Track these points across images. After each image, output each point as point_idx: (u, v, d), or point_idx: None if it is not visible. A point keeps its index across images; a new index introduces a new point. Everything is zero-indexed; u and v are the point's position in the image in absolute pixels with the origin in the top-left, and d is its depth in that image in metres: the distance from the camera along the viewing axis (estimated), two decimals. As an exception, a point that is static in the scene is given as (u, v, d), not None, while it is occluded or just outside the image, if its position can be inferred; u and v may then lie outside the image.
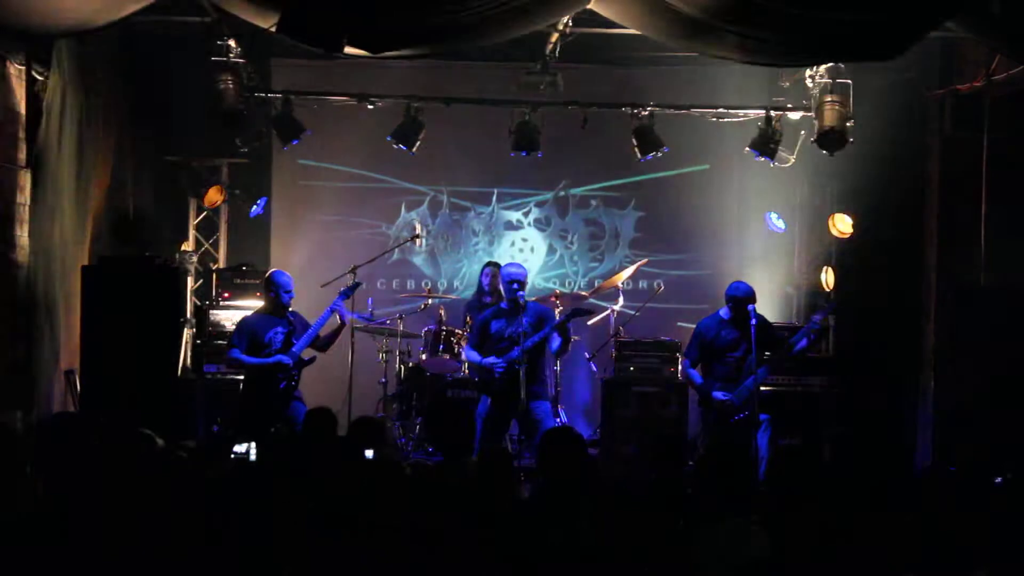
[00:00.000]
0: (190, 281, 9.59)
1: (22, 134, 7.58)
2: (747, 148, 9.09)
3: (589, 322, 9.24)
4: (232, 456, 6.67)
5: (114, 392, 7.63)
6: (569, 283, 10.37)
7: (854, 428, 8.74)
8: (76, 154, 8.45)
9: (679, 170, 10.08)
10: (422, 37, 6.79)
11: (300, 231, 10.19)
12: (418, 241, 9.90)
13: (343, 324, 7.94)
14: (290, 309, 7.92)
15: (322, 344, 7.96)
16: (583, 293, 9.40)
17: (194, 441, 7.71)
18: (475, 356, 7.87)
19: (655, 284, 9.53)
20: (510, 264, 8.22)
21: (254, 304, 8.78)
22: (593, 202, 10.42)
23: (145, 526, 4.30)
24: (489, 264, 9.60)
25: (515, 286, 7.70)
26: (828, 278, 9.50)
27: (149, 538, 4.25)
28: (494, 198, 10.39)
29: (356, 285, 8.26)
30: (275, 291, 7.83)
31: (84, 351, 7.92)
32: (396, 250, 10.14)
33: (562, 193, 10.37)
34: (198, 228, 9.95)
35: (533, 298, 8.40)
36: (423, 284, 10.23)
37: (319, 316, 7.88)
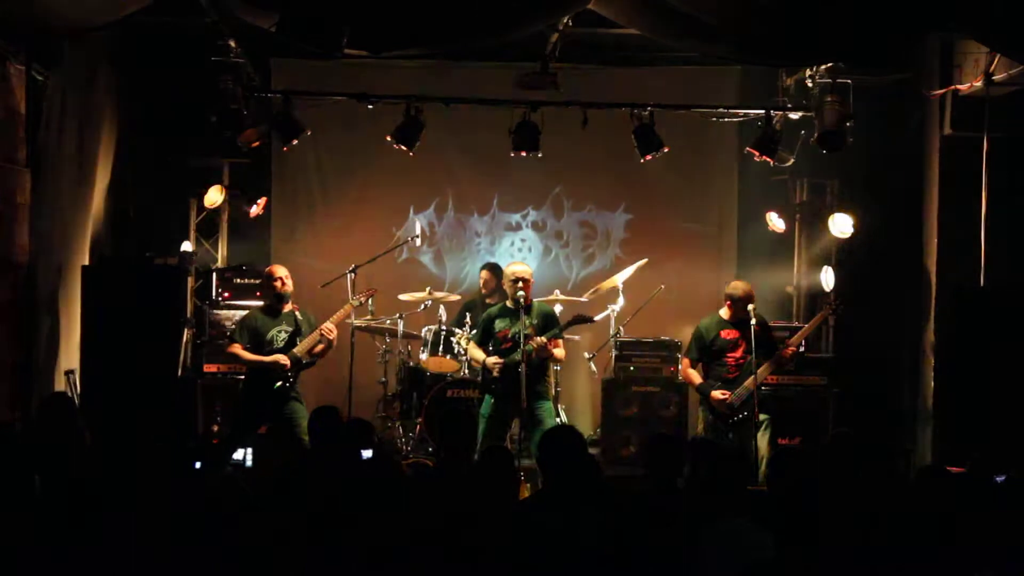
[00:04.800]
0: (190, 281, 9.58)
1: (22, 134, 7.58)
2: (747, 148, 9.09)
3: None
4: (230, 462, 6.69)
5: (114, 392, 7.63)
6: (564, 280, 10.37)
7: (854, 428, 8.74)
8: (76, 154, 8.45)
9: (679, 170, 10.07)
10: (421, 36, 6.80)
11: (300, 231, 10.19)
12: (417, 241, 9.89)
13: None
14: (297, 308, 7.93)
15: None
16: (583, 299, 9.38)
17: (193, 441, 7.71)
18: (479, 354, 7.88)
19: (656, 284, 9.52)
20: (514, 263, 8.21)
21: (254, 304, 8.80)
22: (588, 204, 10.43)
23: (145, 526, 4.31)
24: (487, 266, 9.57)
25: (520, 284, 7.69)
26: (828, 278, 9.50)
27: (148, 538, 4.26)
28: (495, 201, 10.39)
29: (370, 295, 8.26)
30: (267, 282, 7.89)
31: (84, 351, 7.92)
32: (404, 250, 10.13)
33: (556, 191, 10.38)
34: (198, 228, 9.94)
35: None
36: (426, 284, 10.19)
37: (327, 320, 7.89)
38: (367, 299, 8.22)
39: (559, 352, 7.86)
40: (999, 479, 5.11)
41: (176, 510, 4.40)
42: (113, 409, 7.45)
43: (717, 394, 7.75)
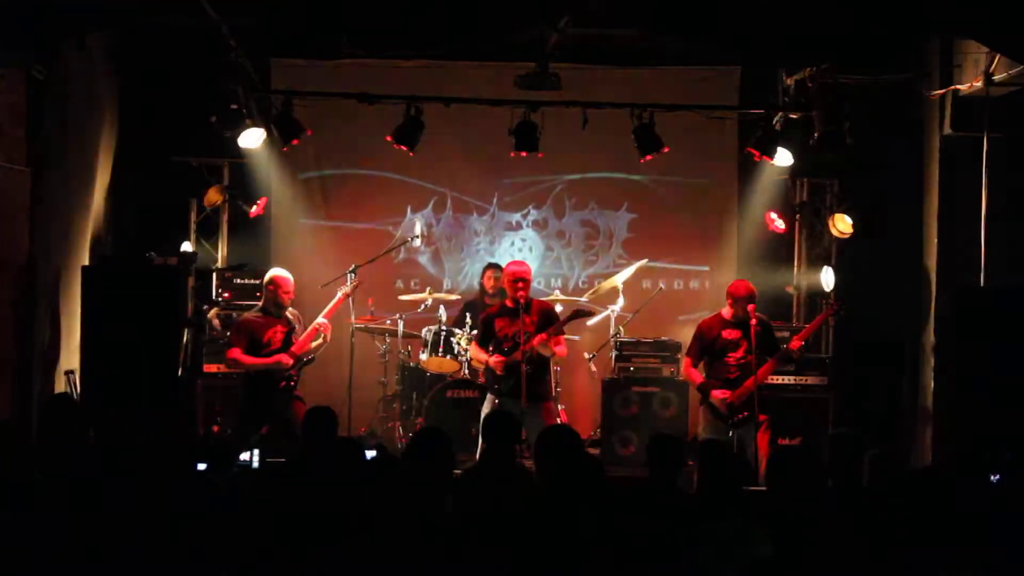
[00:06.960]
0: (190, 281, 9.57)
1: (22, 134, 7.58)
2: (747, 148, 9.09)
3: (589, 322, 9.23)
4: (237, 463, 6.66)
5: (114, 392, 7.62)
6: (566, 280, 10.36)
7: (854, 428, 8.74)
8: (76, 154, 8.45)
9: (679, 170, 10.07)
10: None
11: (300, 231, 10.18)
12: (418, 241, 9.88)
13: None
14: (290, 309, 7.94)
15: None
16: (583, 299, 9.38)
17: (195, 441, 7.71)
18: (481, 355, 7.90)
19: (657, 285, 9.53)
20: (513, 262, 8.22)
21: (254, 304, 8.79)
22: (590, 203, 10.42)
23: (145, 526, 4.31)
24: (490, 266, 9.57)
25: (520, 284, 7.70)
26: (828, 278, 9.50)
27: (149, 538, 4.26)
28: (495, 201, 10.38)
29: (355, 286, 8.27)
30: (273, 290, 7.88)
31: (84, 351, 7.91)
32: (402, 250, 10.13)
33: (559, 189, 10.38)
34: (198, 228, 9.94)
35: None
36: (425, 284, 10.17)
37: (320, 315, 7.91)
38: (353, 291, 8.21)
39: (560, 349, 7.89)
40: (996, 479, 5.11)
41: (176, 510, 4.40)
42: (113, 409, 7.44)
43: (717, 393, 7.75)
